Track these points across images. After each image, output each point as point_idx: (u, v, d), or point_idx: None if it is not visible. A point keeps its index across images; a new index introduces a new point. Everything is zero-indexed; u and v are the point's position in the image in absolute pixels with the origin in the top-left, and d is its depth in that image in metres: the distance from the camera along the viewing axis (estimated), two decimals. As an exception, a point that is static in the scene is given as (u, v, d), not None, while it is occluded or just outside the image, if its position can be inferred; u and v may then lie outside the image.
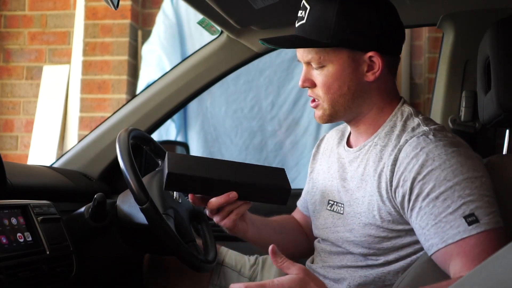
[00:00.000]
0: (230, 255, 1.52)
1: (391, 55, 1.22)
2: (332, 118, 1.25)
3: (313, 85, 1.24)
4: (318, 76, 1.22)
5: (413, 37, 3.39)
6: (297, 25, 1.24)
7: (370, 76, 1.20)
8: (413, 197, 1.10)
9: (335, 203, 1.27)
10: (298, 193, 1.52)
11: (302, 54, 1.23)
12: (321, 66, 1.21)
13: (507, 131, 1.53)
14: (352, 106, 1.22)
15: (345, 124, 1.40)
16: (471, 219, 1.04)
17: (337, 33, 1.17)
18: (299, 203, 1.51)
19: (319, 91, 1.23)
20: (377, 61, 1.19)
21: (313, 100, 1.26)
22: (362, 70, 1.20)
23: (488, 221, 1.04)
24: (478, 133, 1.69)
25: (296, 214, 1.53)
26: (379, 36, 1.19)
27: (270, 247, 1.00)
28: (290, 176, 1.57)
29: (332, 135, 1.42)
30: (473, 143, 1.67)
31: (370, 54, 1.19)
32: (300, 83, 1.25)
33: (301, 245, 1.47)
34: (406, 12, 1.24)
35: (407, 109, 1.23)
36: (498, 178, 1.14)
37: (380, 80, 1.22)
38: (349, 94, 1.21)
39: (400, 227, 1.16)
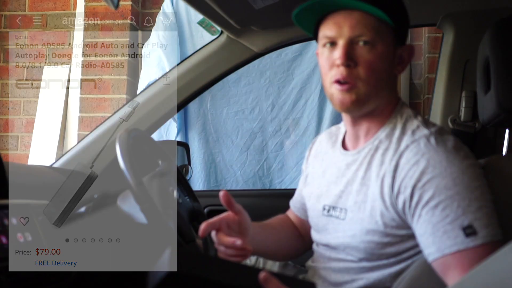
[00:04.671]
0: (230, 255, 1.52)
1: None
2: (363, 104, 1.17)
3: (354, 64, 1.14)
4: (366, 54, 1.14)
5: (413, 37, 3.39)
6: None
7: (399, 69, 1.20)
8: (413, 204, 1.09)
9: (333, 208, 1.24)
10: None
11: (354, 27, 1.14)
12: (371, 44, 1.14)
13: (507, 131, 1.53)
14: (380, 95, 1.18)
15: (337, 126, 1.39)
16: (469, 231, 1.03)
17: (397, 13, 1.17)
18: (292, 203, 1.50)
19: (361, 71, 1.14)
20: (407, 56, 1.20)
21: (343, 83, 1.15)
22: (395, 60, 1.20)
23: (486, 234, 1.03)
24: (478, 133, 1.68)
25: (290, 214, 1.52)
26: (408, 33, 1.23)
27: (262, 277, 0.92)
28: (290, 176, 1.57)
29: (324, 138, 1.39)
30: (473, 143, 1.67)
31: (406, 46, 1.20)
32: (342, 60, 1.13)
33: (296, 246, 1.46)
34: (406, 12, 1.24)
35: (405, 110, 1.22)
36: (498, 178, 1.13)
37: (398, 77, 1.23)
38: (385, 80, 1.18)
39: (403, 232, 1.14)
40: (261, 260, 1.50)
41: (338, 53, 1.15)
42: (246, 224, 1.23)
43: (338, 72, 1.15)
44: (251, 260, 1.51)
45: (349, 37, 1.14)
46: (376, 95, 1.17)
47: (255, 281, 0.95)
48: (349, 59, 1.14)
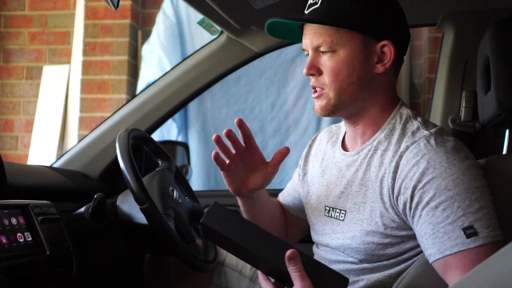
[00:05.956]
0: (231, 255, 1.51)
1: (399, 52, 1.21)
2: (336, 109, 1.19)
3: (319, 72, 1.19)
4: (327, 61, 1.17)
5: (413, 37, 3.39)
6: (308, 11, 1.21)
7: (379, 68, 1.18)
8: (413, 205, 1.09)
9: (332, 209, 1.24)
10: None
11: (312, 37, 1.18)
12: (331, 51, 1.16)
13: (507, 131, 1.53)
14: (359, 98, 1.19)
15: (338, 125, 1.39)
16: (469, 231, 1.02)
17: (354, 17, 1.16)
18: (281, 196, 1.51)
19: (325, 78, 1.18)
20: (389, 51, 1.18)
21: (315, 90, 1.21)
22: (372, 60, 1.18)
23: (487, 235, 1.02)
24: (478, 133, 1.68)
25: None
26: (392, 27, 1.19)
27: (289, 252, 1.00)
28: (290, 176, 1.57)
29: (324, 137, 1.39)
30: (473, 143, 1.67)
31: (383, 43, 1.17)
32: (305, 70, 1.20)
33: (281, 233, 1.46)
34: (406, 12, 1.23)
35: (405, 111, 1.21)
36: (498, 178, 1.13)
37: (387, 76, 1.20)
38: (358, 83, 1.17)
39: (403, 233, 1.14)
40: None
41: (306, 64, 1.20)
42: (257, 166, 1.38)
43: (310, 80, 1.22)
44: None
45: (311, 47, 1.19)
46: (353, 98, 1.18)
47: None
48: (312, 68, 1.19)
